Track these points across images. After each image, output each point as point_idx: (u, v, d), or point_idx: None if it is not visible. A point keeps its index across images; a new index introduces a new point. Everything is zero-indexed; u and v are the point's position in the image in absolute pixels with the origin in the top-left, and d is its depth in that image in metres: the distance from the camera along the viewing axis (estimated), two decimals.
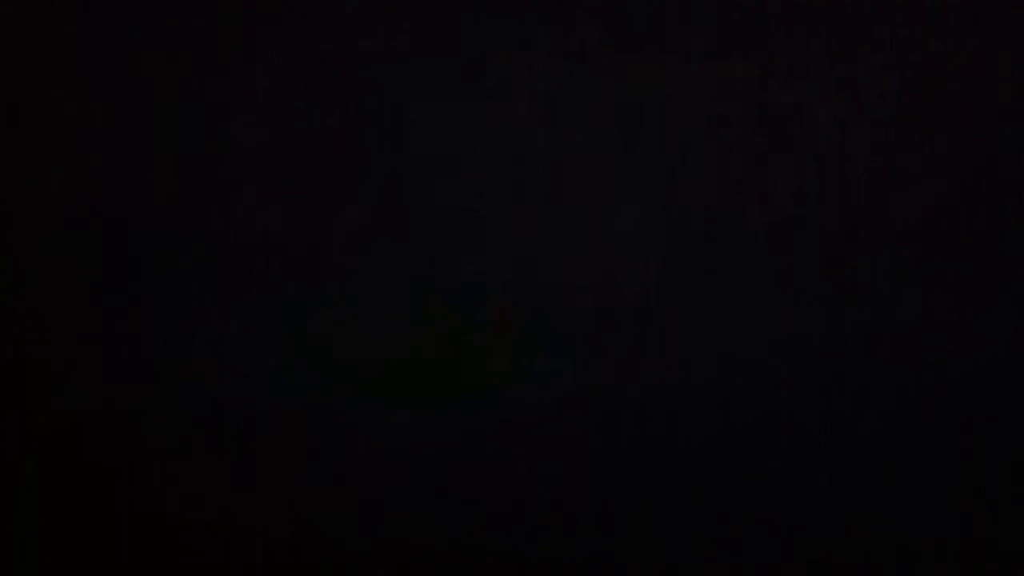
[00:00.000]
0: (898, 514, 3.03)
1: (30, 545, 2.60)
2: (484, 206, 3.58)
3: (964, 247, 3.31)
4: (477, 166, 3.57)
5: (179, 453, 2.69)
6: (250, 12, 3.38)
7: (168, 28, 3.35)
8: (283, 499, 2.71)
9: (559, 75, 3.53)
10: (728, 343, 3.31)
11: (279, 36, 3.42)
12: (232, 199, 3.33)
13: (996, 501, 3.05)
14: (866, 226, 3.38)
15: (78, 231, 3.25)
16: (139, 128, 3.29)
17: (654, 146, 3.58)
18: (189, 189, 3.32)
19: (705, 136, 3.51)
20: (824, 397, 3.20)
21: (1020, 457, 3.09)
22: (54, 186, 3.26)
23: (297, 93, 3.43)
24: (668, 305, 3.35)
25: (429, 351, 3.04)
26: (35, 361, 2.58)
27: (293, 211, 3.31)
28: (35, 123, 3.25)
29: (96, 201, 3.28)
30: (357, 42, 3.42)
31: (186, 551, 2.68)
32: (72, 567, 2.54)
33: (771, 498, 2.99)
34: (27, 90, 3.24)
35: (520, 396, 2.91)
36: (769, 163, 3.48)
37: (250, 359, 3.00)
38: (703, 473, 2.97)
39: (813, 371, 3.26)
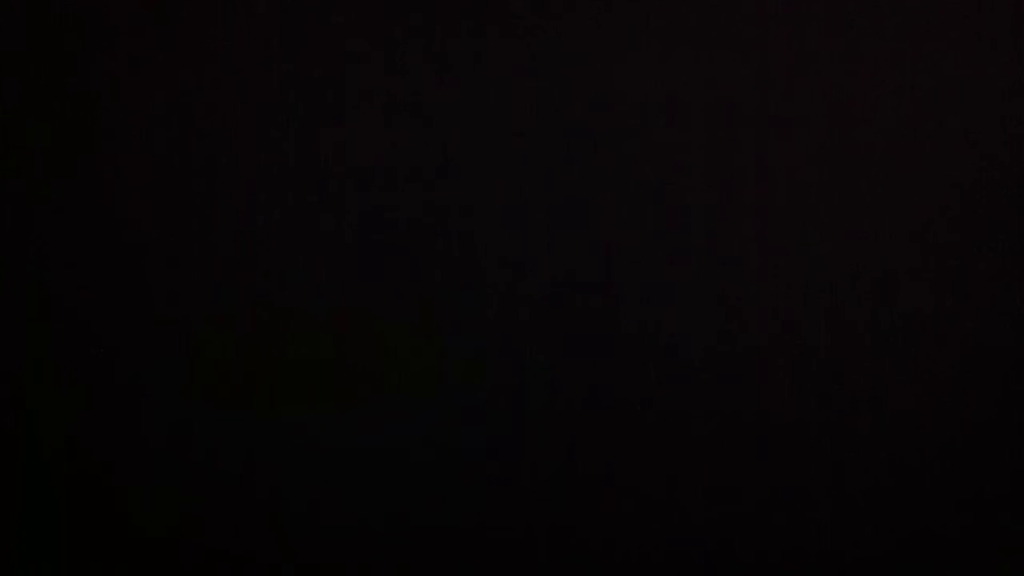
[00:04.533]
0: (897, 514, 3.02)
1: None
2: (476, 204, 3.59)
3: (964, 247, 3.30)
4: (470, 164, 3.59)
5: (176, 450, 2.70)
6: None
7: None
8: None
9: (559, 68, 3.54)
10: (727, 342, 3.30)
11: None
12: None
13: (996, 501, 3.04)
14: (867, 226, 3.38)
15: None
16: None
17: (654, 143, 3.59)
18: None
19: (705, 135, 3.51)
20: (823, 397, 3.20)
21: (1020, 457, 3.07)
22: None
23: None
24: (666, 303, 3.36)
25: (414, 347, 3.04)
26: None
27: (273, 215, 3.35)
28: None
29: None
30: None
31: (180, 550, 2.70)
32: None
33: (767, 497, 2.99)
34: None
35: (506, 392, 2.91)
36: (769, 162, 3.48)
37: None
38: (700, 472, 2.97)
39: (812, 371, 3.26)
